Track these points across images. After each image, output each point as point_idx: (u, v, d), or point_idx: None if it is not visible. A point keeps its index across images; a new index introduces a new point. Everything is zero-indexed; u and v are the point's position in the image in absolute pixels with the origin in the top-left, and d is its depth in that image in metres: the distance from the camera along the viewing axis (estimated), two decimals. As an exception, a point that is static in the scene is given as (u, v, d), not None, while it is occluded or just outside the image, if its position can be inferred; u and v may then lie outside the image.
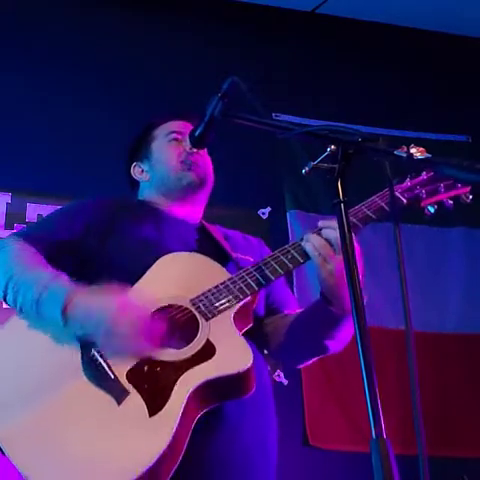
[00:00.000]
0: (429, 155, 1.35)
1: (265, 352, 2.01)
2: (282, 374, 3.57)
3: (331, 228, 1.78)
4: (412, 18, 4.43)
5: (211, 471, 1.76)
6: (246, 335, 1.84)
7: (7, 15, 3.84)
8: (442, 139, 4.29)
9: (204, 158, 2.13)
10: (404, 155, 1.32)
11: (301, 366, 2.08)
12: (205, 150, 2.13)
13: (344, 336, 1.88)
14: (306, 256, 1.83)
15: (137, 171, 2.20)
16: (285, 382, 3.58)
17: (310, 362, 2.03)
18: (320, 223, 1.83)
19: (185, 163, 2.08)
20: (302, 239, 1.84)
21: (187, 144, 1.99)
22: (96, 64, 3.89)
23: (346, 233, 1.35)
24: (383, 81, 4.35)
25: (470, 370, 3.94)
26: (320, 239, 1.79)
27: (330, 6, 4.33)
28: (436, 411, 3.63)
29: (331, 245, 1.77)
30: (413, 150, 1.35)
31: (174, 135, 2.14)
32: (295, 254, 1.84)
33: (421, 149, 1.38)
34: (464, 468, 3.60)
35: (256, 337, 1.93)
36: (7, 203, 3.52)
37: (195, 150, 2.05)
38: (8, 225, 3.49)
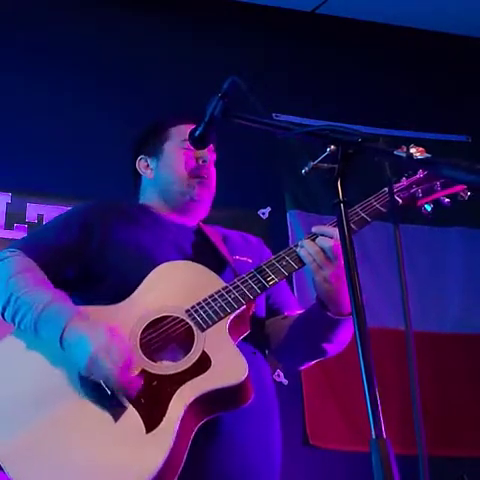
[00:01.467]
0: (429, 155, 1.35)
1: (266, 352, 2.01)
2: (282, 374, 3.57)
3: (325, 235, 1.78)
4: (412, 18, 4.43)
5: (210, 479, 1.75)
6: (247, 337, 1.84)
7: (7, 15, 3.84)
8: (442, 139, 4.29)
9: (211, 171, 2.09)
10: (404, 155, 1.32)
11: (301, 368, 2.08)
12: (213, 161, 2.10)
13: (342, 339, 1.88)
14: (301, 262, 1.83)
15: (142, 165, 2.14)
16: (285, 382, 3.58)
17: (310, 364, 2.03)
18: (314, 229, 1.83)
19: (194, 176, 2.04)
20: (297, 245, 1.84)
21: (201, 155, 2.01)
22: (96, 64, 3.89)
23: (346, 233, 1.35)
24: (383, 81, 4.35)
25: (470, 370, 3.93)
26: (314, 245, 1.79)
27: (330, 6, 4.32)
28: (436, 411, 3.63)
29: (325, 253, 1.77)
30: (413, 150, 1.35)
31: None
32: (290, 261, 1.84)
33: (421, 149, 1.38)
34: (464, 468, 3.59)
35: (258, 338, 1.93)
36: (7, 203, 3.52)
37: (206, 163, 2.04)
38: (8, 225, 3.49)
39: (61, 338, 1.71)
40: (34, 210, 3.53)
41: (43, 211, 3.52)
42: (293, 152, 3.92)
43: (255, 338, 1.89)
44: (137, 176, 2.18)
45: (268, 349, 2.01)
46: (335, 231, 1.76)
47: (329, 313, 1.81)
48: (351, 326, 1.82)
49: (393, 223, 1.34)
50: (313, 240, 1.80)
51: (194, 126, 2.03)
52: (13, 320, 1.79)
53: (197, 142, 1.78)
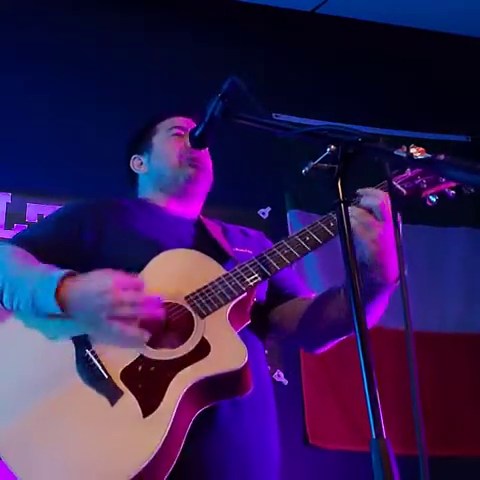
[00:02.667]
0: (429, 155, 1.35)
1: (265, 352, 2.00)
2: (282, 374, 3.57)
3: (371, 196, 1.75)
4: (412, 18, 4.43)
5: (207, 473, 1.75)
6: (251, 330, 1.84)
7: (7, 15, 3.84)
8: (442, 139, 4.29)
9: (204, 156, 2.12)
10: (404, 155, 1.32)
11: (322, 349, 1.99)
12: (207, 149, 2.12)
13: (377, 311, 1.81)
14: (302, 251, 1.80)
15: (136, 163, 2.19)
16: (285, 382, 3.58)
17: (331, 344, 1.96)
18: (359, 191, 1.78)
19: (185, 159, 2.08)
20: (304, 230, 1.82)
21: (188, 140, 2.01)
22: (96, 64, 3.89)
23: (346, 233, 1.35)
24: (383, 81, 4.35)
25: (470, 370, 3.94)
26: (356, 208, 1.73)
27: (330, 6, 4.33)
28: (436, 411, 3.63)
29: (371, 212, 1.73)
30: (413, 150, 1.35)
31: (176, 130, 2.13)
32: (292, 249, 1.81)
33: (421, 149, 1.37)
34: (464, 468, 3.60)
35: (258, 332, 1.92)
36: (7, 203, 3.52)
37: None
38: (8, 225, 3.49)
39: (57, 298, 1.69)
40: (34, 210, 3.54)
41: (43, 211, 3.53)
42: (293, 152, 3.92)
43: (255, 331, 1.89)
44: (134, 176, 2.21)
45: (280, 335, 1.99)
46: (381, 192, 1.75)
47: (373, 276, 1.74)
48: (386, 299, 1.79)
49: (393, 223, 1.34)
50: (355, 205, 1.74)
51: (181, 117, 2.09)
52: (12, 304, 1.78)
53: (197, 142, 1.78)
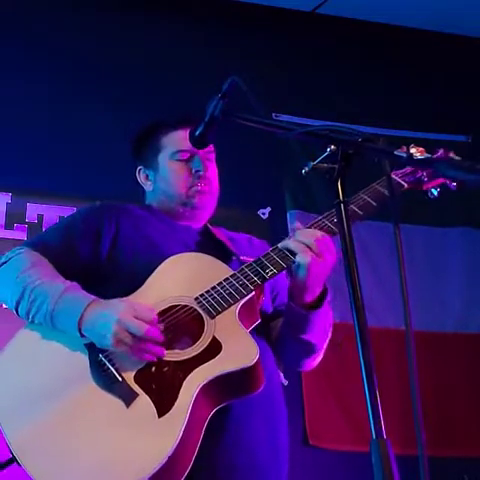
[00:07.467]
0: (429, 155, 1.35)
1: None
2: (282, 374, 3.56)
3: (307, 232, 1.83)
4: (412, 18, 4.43)
5: (217, 475, 1.76)
6: (259, 334, 1.85)
7: (8, 15, 3.84)
8: (442, 139, 4.29)
9: (211, 172, 2.08)
10: (404, 155, 1.33)
11: (305, 368, 2.07)
12: (213, 162, 2.10)
13: (318, 332, 1.90)
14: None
15: (142, 176, 2.16)
16: (285, 382, 3.57)
17: (313, 363, 2.02)
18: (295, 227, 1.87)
19: (191, 188, 2.05)
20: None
21: (194, 165, 2.03)
22: (96, 64, 3.89)
23: (346, 233, 1.35)
24: (383, 81, 4.35)
25: (470, 370, 3.94)
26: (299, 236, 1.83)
27: (330, 6, 4.32)
28: (436, 411, 3.63)
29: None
30: (413, 150, 1.35)
31: (180, 155, 2.06)
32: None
33: (421, 149, 1.38)
34: (464, 468, 3.60)
35: (267, 333, 1.95)
36: (7, 203, 3.52)
37: (200, 173, 2.04)
38: (8, 225, 3.49)
39: (79, 323, 1.73)
40: (34, 210, 3.53)
41: (43, 211, 3.53)
42: (293, 152, 3.92)
43: (263, 336, 1.91)
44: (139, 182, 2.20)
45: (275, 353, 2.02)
46: (317, 231, 1.83)
47: (292, 304, 1.86)
48: (324, 314, 1.87)
49: (393, 223, 1.34)
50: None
51: (184, 131, 2.01)
52: (28, 314, 1.80)
53: (197, 142, 1.78)
